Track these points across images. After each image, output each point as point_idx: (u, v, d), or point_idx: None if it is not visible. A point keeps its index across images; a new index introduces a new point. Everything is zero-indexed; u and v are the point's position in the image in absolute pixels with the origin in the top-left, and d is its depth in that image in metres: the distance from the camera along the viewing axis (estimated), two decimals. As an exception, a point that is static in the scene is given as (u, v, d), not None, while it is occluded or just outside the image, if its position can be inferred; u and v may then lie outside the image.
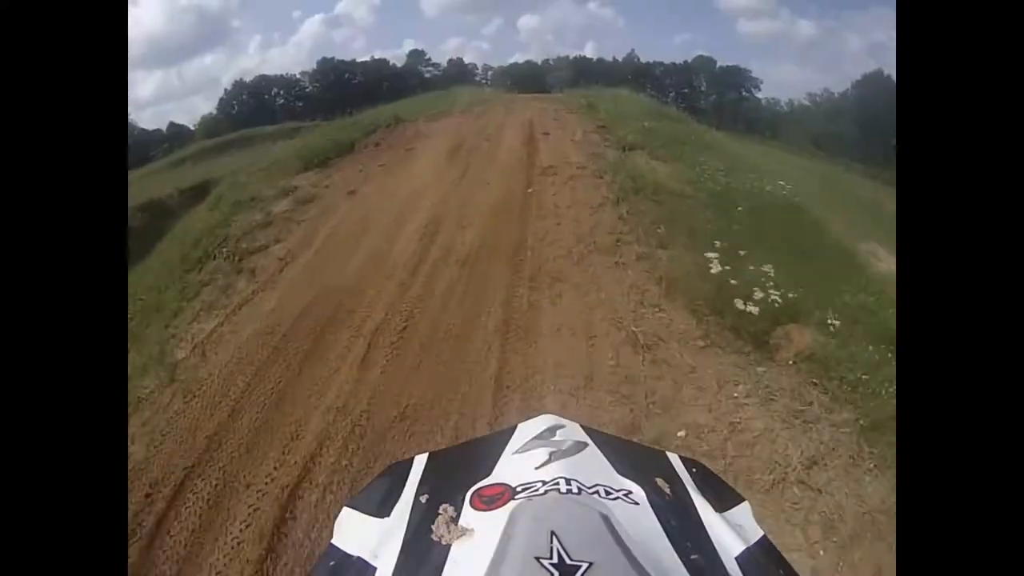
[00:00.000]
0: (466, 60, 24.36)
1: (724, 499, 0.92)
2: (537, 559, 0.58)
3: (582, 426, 1.03)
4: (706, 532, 0.81)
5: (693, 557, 0.73)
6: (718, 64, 22.21)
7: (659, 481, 0.89)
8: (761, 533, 0.85)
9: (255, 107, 21.51)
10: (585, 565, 0.57)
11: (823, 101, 19.57)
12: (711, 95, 22.53)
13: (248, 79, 21.51)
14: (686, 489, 0.90)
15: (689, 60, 22.70)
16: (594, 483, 0.80)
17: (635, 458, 0.97)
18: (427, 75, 24.17)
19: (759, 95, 21.59)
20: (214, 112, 20.15)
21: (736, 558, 0.76)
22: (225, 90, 20.77)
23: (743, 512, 0.91)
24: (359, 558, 0.80)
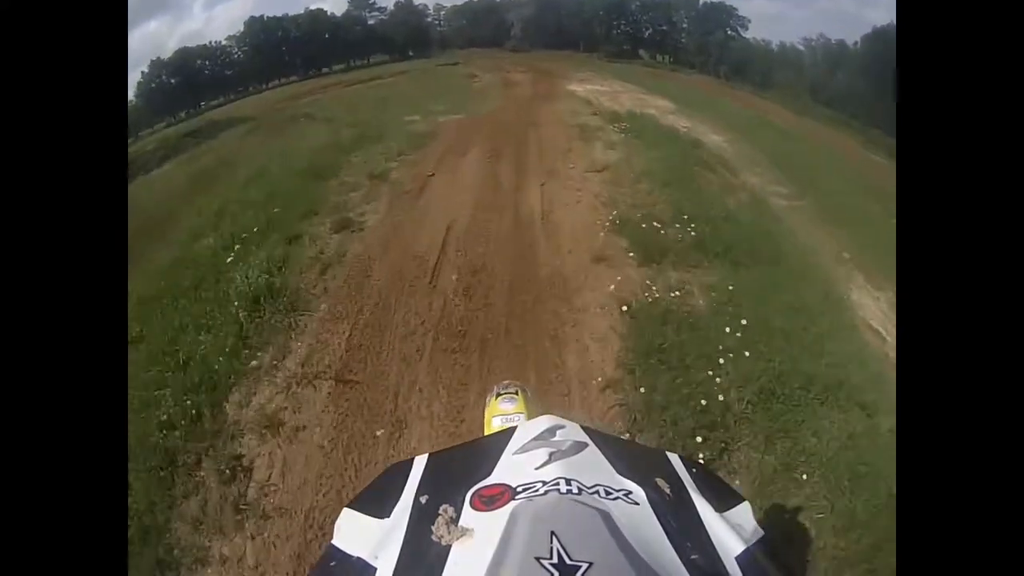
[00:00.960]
0: (419, 1, 23.36)
1: (724, 499, 0.97)
2: (537, 559, 0.62)
3: (582, 426, 1.08)
4: (706, 532, 0.86)
5: (693, 557, 0.78)
6: (701, 0, 22.00)
7: (659, 481, 0.94)
8: (761, 533, 0.91)
9: (178, 85, 20.28)
10: (585, 565, 0.61)
11: (818, 47, 19.40)
12: (694, 33, 22.34)
13: (165, 56, 20.08)
14: (686, 489, 0.96)
15: (669, -6, 22.48)
16: (594, 483, 0.85)
17: (635, 458, 1.02)
18: (371, 22, 23.24)
19: (746, 35, 21.48)
20: (133, 100, 18.84)
21: (736, 558, 0.82)
22: (142, 72, 19.25)
23: (743, 512, 0.96)
24: (359, 559, 0.85)
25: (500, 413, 1.71)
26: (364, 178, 7.81)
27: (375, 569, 0.82)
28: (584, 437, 1.03)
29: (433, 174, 7.99)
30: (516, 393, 1.79)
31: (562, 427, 1.07)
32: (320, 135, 10.87)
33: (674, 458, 1.06)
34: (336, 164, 8.52)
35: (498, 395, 1.82)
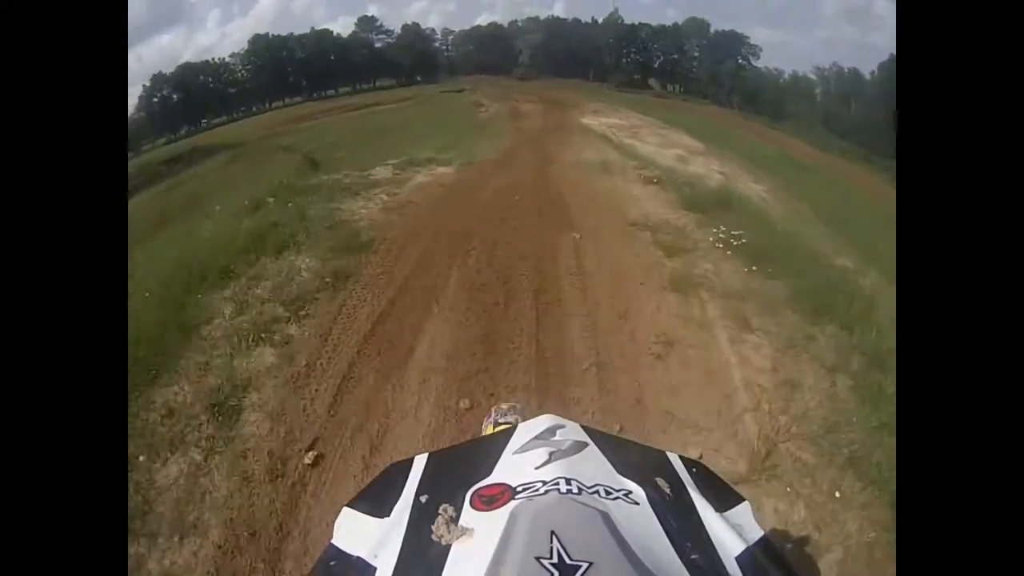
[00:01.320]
0: (427, 24, 23.78)
1: (724, 499, 0.98)
2: (537, 559, 0.63)
3: (582, 426, 1.10)
4: (706, 532, 0.87)
5: (693, 557, 0.79)
6: (712, 28, 22.34)
7: (659, 481, 0.95)
8: (761, 533, 0.91)
9: (180, 101, 20.54)
10: (585, 565, 0.62)
11: (831, 76, 19.69)
12: (705, 62, 22.71)
13: (169, 71, 20.23)
14: (686, 489, 0.97)
15: (680, 23, 22.86)
16: (594, 483, 0.87)
17: (635, 458, 1.04)
18: (378, 44, 23.70)
19: (758, 64, 21.81)
20: (135, 114, 18.93)
21: (736, 558, 0.83)
22: (144, 86, 19.42)
23: (743, 512, 0.97)
24: (359, 558, 0.86)
25: None
26: (202, 410, 3.76)
27: (375, 569, 0.84)
28: (584, 436, 1.04)
29: (315, 461, 3.38)
30: (516, 421, 1.77)
31: (562, 426, 1.08)
32: (237, 209, 7.80)
33: (674, 458, 1.08)
34: (183, 329, 4.62)
35: (496, 424, 1.83)
